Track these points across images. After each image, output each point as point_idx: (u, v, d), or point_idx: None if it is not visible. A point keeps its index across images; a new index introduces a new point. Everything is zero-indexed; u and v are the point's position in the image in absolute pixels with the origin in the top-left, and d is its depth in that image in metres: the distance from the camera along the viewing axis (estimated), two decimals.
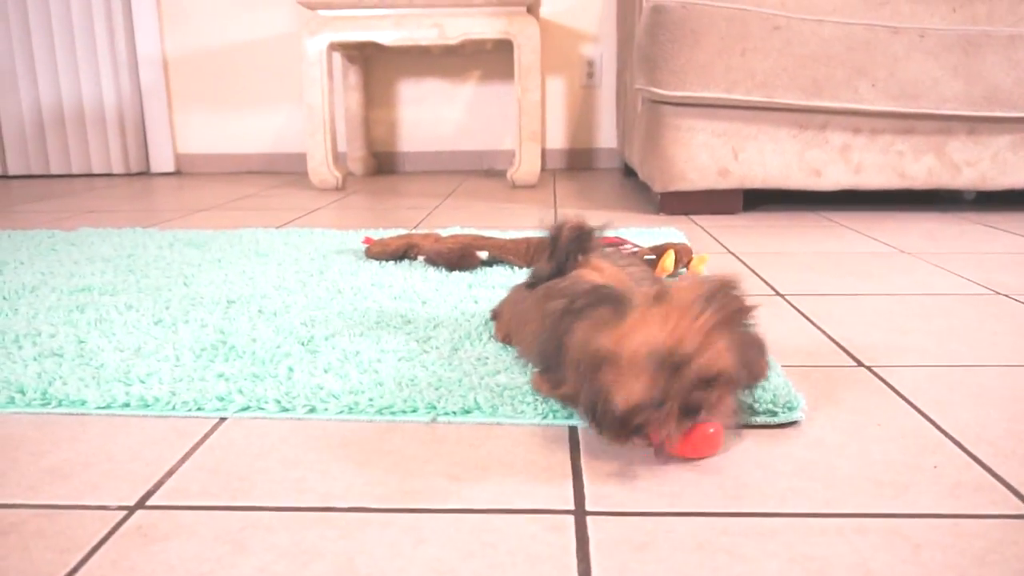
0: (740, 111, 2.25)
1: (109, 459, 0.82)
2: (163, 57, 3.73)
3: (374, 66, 3.73)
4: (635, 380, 0.77)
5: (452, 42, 2.95)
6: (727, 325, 0.81)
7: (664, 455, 0.80)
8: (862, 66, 2.17)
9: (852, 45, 2.16)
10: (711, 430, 0.78)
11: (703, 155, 2.28)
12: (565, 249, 1.05)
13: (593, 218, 2.31)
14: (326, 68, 2.98)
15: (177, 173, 3.84)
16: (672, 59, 2.19)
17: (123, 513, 0.72)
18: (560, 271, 1.05)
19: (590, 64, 3.68)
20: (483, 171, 3.75)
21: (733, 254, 1.79)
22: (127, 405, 0.93)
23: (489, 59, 3.69)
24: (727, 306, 0.82)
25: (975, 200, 2.61)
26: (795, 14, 2.16)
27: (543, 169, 3.73)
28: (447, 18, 2.91)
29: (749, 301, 0.85)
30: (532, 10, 3.01)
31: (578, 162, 3.81)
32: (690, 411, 0.77)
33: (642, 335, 0.78)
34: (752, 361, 0.84)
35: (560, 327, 0.89)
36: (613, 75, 3.68)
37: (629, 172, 3.42)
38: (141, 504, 0.73)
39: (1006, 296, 1.41)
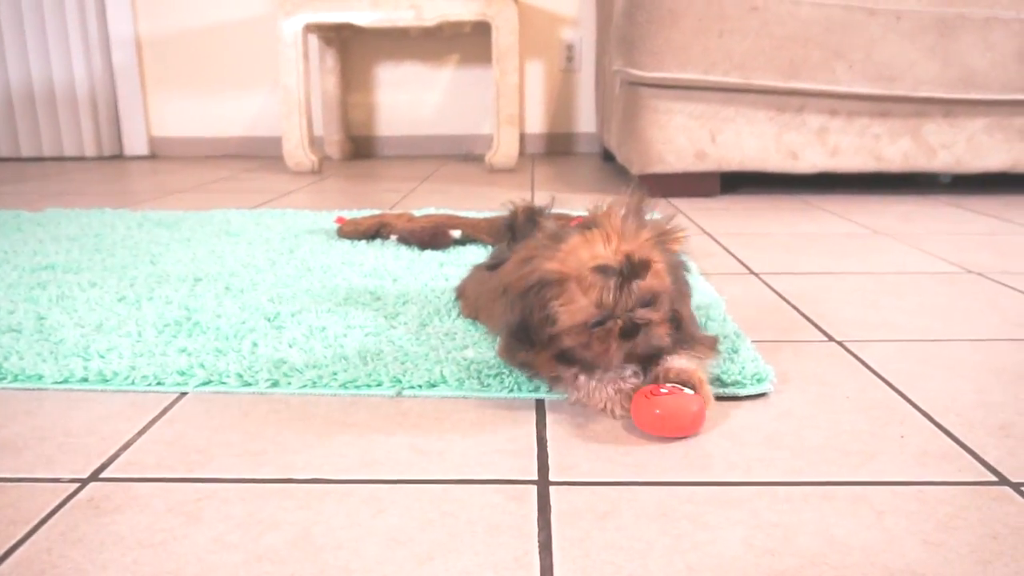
0: (718, 93, 2.24)
1: (64, 433, 0.80)
2: (136, 38, 3.67)
3: (351, 49, 3.70)
4: (583, 296, 0.79)
5: (429, 24, 2.92)
6: (659, 246, 0.83)
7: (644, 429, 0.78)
8: (839, 48, 2.16)
9: (829, 27, 2.15)
10: (694, 407, 0.77)
11: (681, 137, 2.27)
12: (523, 231, 1.07)
13: (566, 200, 2.30)
14: (302, 50, 2.94)
15: (151, 156, 3.79)
16: (650, 39, 2.17)
17: (75, 486, 0.70)
18: None
19: (569, 48, 3.66)
20: (461, 155, 3.73)
21: (709, 235, 1.79)
22: (85, 380, 0.91)
23: (467, 42, 3.66)
24: (657, 227, 0.84)
25: (951, 183, 2.61)
26: None
27: (522, 153, 3.70)
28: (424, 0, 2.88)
29: (674, 223, 0.87)
30: None
31: (557, 147, 3.79)
32: (632, 330, 0.79)
33: (588, 252, 0.80)
34: (682, 281, 0.86)
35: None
36: (592, 59, 3.66)
37: (608, 157, 3.41)
38: (95, 476, 0.72)
39: (979, 274, 1.41)
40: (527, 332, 0.83)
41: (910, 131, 2.26)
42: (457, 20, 2.94)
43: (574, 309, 0.79)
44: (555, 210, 1.08)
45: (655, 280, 0.80)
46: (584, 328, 0.80)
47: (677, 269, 0.85)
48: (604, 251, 0.79)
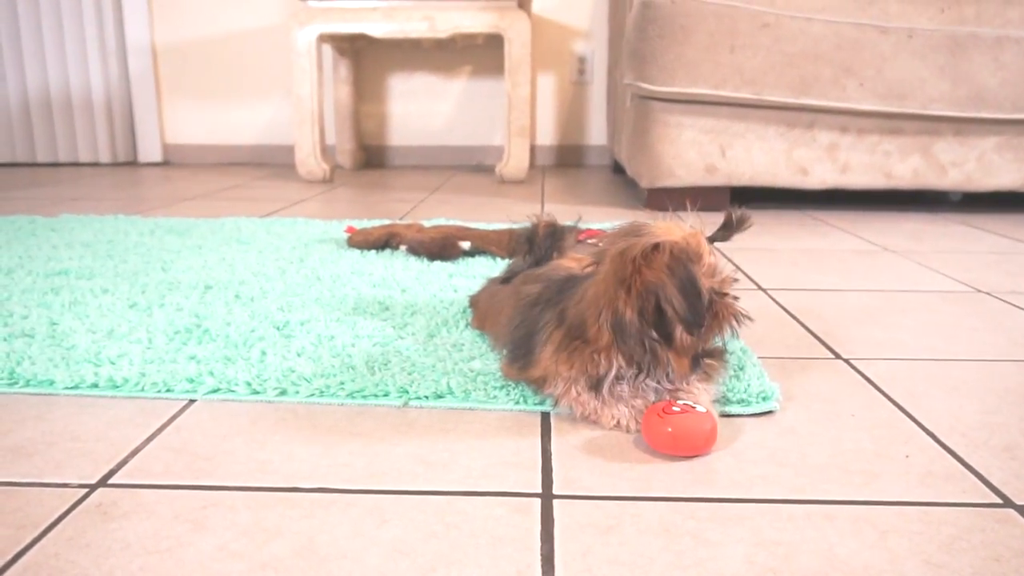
0: (728, 108, 2.24)
1: (74, 438, 0.81)
2: (152, 46, 3.70)
3: (365, 59, 3.72)
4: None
5: (442, 35, 2.94)
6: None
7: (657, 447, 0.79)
8: (850, 65, 2.17)
9: (840, 44, 2.16)
10: (707, 426, 0.77)
11: (691, 152, 2.27)
12: (542, 245, 1.07)
13: (577, 213, 2.31)
14: (315, 59, 2.96)
15: (165, 163, 3.81)
16: (661, 54, 2.18)
17: (84, 491, 0.71)
18: (537, 264, 1.07)
19: (581, 61, 3.68)
20: (472, 166, 3.74)
21: (719, 250, 1.78)
22: (95, 386, 0.92)
23: (480, 54, 3.68)
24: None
25: (961, 201, 2.61)
26: (784, 11, 2.15)
27: (532, 165, 3.72)
28: (438, 11, 2.90)
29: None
30: (523, 5, 3.01)
31: (568, 159, 3.80)
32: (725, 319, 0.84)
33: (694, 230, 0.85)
34: None
35: (532, 313, 0.90)
36: (604, 72, 3.67)
37: (619, 169, 3.41)
38: (103, 483, 0.72)
39: (987, 294, 1.41)
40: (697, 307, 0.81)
41: (920, 149, 2.26)
42: (470, 32, 2.95)
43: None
44: (583, 225, 1.09)
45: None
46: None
47: None
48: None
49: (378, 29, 2.92)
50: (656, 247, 0.80)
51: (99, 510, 0.68)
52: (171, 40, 3.71)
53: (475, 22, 2.91)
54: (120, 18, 3.64)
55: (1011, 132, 2.25)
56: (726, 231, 0.87)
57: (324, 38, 3.10)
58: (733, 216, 0.87)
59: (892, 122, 2.24)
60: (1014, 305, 1.34)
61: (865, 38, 2.15)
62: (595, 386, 0.83)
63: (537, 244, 1.09)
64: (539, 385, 0.87)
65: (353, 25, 2.93)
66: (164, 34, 3.70)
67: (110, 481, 0.72)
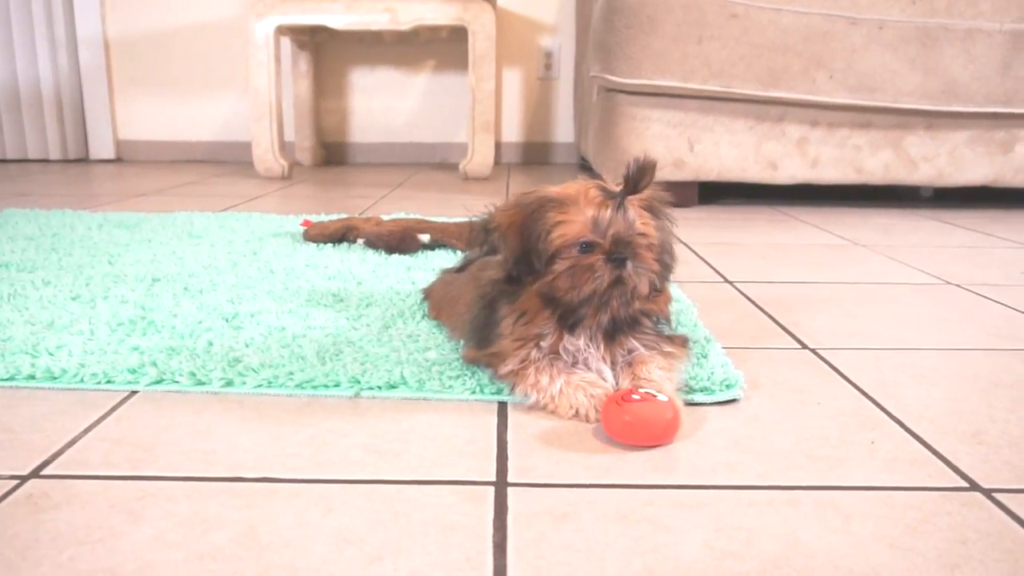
0: (696, 101, 2.22)
1: (7, 430, 0.77)
2: (104, 38, 3.61)
3: (325, 53, 3.67)
4: (578, 215, 0.79)
5: (404, 28, 2.90)
6: (651, 208, 0.84)
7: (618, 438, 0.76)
8: (820, 57, 2.16)
9: (810, 35, 2.15)
10: (668, 415, 0.75)
11: (658, 146, 2.25)
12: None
13: None
14: (273, 52, 2.91)
15: (118, 160, 3.73)
16: (627, 45, 2.16)
17: (14, 483, 0.67)
18: (492, 253, 1.04)
19: (548, 55, 3.65)
20: (436, 163, 3.70)
21: (685, 244, 1.77)
22: (32, 377, 0.88)
23: (444, 48, 3.64)
24: (651, 192, 0.85)
25: (932, 197, 2.62)
26: (753, 2, 2.14)
27: (498, 162, 3.69)
28: (400, 3, 2.86)
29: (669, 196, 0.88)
30: None
31: (534, 156, 3.78)
32: (621, 251, 0.79)
33: (590, 183, 0.82)
34: (668, 245, 0.86)
35: (491, 295, 0.88)
36: (571, 68, 3.65)
37: (586, 167, 3.39)
38: (35, 474, 0.69)
39: (956, 285, 1.40)
40: (527, 259, 0.82)
41: (891, 143, 2.26)
42: (433, 24, 2.92)
43: (569, 224, 0.79)
44: None
45: (646, 226, 0.81)
46: (575, 248, 0.79)
47: (664, 231, 0.85)
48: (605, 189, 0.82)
49: (338, 21, 2.88)
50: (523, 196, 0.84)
51: (29, 501, 0.64)
52: (124, 32, 3.62)
53: (438, 14, 2.88)
54: (71, 8, 3.54)
55: (982, 126, 2.25)
56: (632, 184, 0.81)
57: (283, 30, 3.05)
58: (632, 167, 0.80)
59: (863, 115, 2.23)
60: (983, 296, 1.33)
61: (835, 29, 2.15)
62: (545, 353, 0.83)
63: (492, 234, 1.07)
64: (497, 364, 0.84)
65: (312, 17, 2.88)
66: (116, 26, 3.62)
67: (43, 472, 0.69)
